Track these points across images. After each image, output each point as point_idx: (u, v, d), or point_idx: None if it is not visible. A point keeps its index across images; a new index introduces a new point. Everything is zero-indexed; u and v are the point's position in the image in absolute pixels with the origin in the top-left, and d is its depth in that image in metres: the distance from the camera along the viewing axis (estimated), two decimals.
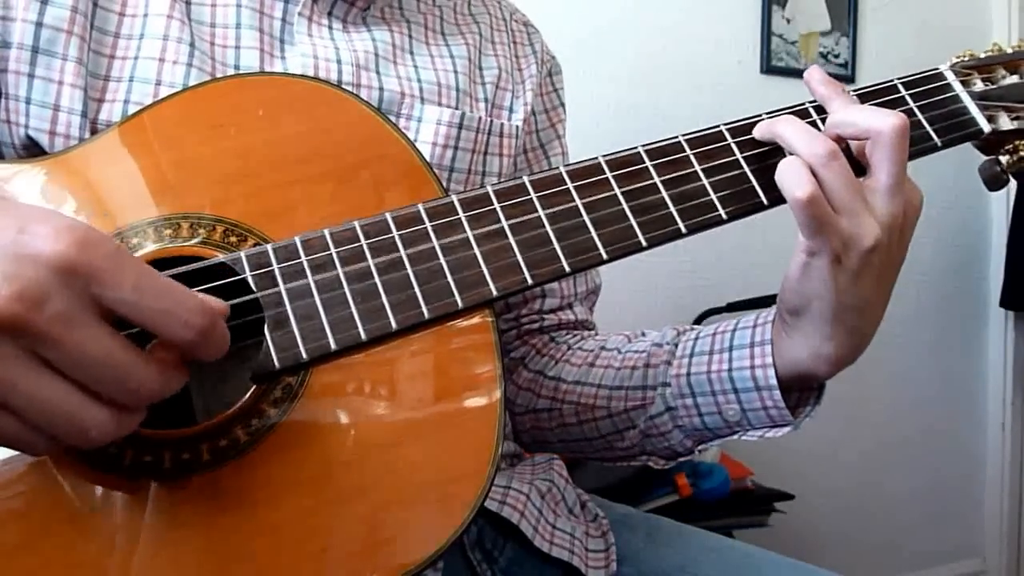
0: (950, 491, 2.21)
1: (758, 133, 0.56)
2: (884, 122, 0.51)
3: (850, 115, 0.53)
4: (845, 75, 1.98)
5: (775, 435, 0.59)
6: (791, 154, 0.53)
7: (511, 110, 0.75)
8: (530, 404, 0.73)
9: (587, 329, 0.80)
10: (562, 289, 0.77)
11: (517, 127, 0.73)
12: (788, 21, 1.92)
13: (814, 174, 0.51)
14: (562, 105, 0.82)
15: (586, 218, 0.52)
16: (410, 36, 0.69)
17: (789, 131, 0.53)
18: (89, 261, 0.35)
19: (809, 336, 0.55)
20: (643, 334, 0.71)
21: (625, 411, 0.66)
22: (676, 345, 0.65)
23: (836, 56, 1.97)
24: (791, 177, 0.51)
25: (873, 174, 0.52)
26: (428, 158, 0.64)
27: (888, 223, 0.52)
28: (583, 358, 0.72)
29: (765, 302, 0.74)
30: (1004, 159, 0.61)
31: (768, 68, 1.90)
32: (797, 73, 1.93)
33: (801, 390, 0.60)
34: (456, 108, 0.68)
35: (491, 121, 0.70)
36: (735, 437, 0.61)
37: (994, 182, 0.60)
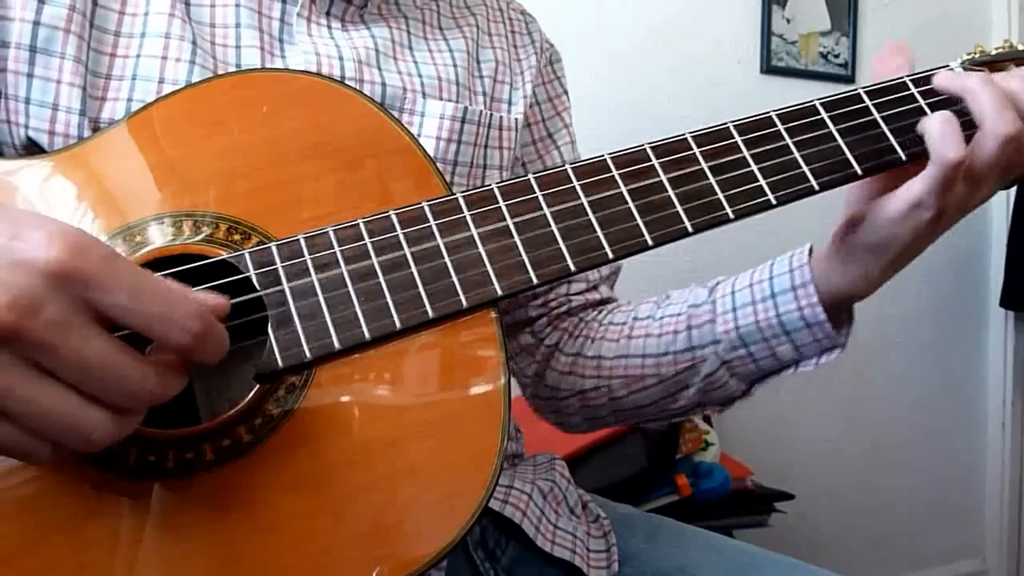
0: (950, 491, 2.20)
1: (944, 82, 0.57)
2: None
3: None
4: (845, 75, 1.97)
5: (828, 360, 0.63)
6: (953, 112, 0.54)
7: (510, 102, 0.75)
8: (575, 386, 0.74)
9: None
10: (588, 272, 0.77)
11: (517, 120, 0.73)
12: (788, 21, 1.91)
13: (976, 143, 0.53)
14: (565, 93, 0.82)
15: (592, 216, 0.51)
16: (408, 32, 0.69)
17: (986, 95, 0.54)
18: (83, 267, 0.35)
19: (868, 266, 0.59)
20: (667, 297, 0.73)
21: (676, 374, 0.68)
22: (714, 303, 0.66)
23: (836, 56, 1.97)
24: (947, 135, 0.53)
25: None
26: (432, 152, 0.63)
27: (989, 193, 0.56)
28: (618, 332, 0.73)
29: None
30: None
31: (768, 68, 1.90)
32: (797, 73, 1.93)
33: (838, 311, 0.63)
34: (457, 102, 0.68)
35: (491, 114, 0.70)
36: (790, 372, 0.65)
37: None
